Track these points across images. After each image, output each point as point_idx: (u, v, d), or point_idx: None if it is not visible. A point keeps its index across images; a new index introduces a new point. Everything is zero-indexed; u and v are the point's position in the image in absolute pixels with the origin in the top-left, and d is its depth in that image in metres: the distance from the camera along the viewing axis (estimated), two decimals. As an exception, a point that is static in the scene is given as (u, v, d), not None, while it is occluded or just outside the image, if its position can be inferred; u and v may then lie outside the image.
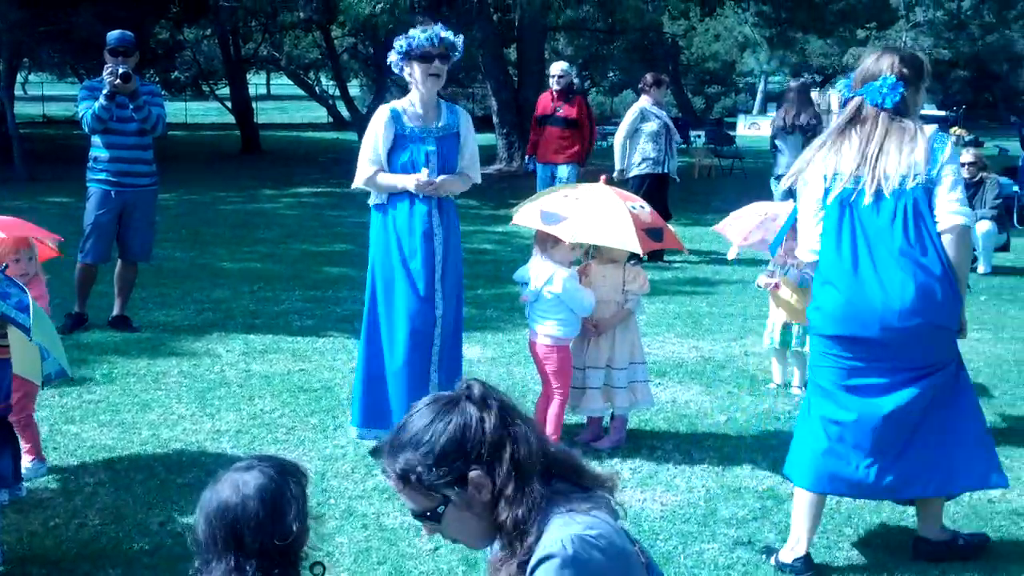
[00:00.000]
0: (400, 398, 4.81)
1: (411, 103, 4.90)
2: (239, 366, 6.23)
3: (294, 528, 2.12)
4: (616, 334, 4.95)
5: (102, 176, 6.88)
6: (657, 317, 7.56)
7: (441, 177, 4.82)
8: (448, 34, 4.83)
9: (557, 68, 10.83)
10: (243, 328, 7.13)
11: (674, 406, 5.61)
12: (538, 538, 1.96)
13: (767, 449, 4.96)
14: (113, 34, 6.86)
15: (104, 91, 6.65)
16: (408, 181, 4.78)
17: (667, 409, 5.54)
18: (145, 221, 7.03)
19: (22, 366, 3.85)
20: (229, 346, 6.67)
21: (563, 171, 10.43)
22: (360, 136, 5.48)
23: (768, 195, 10.27)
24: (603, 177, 5.00)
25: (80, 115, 6.88)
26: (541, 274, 4.71)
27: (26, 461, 4.30)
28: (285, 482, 2.15)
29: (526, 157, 11.45)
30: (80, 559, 3.75)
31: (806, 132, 10.24)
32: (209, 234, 11.52)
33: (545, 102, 10.73)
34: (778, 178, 10.67)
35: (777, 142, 10.54)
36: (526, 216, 4.81)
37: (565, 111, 10.43)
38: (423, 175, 4.77)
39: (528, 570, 1.96)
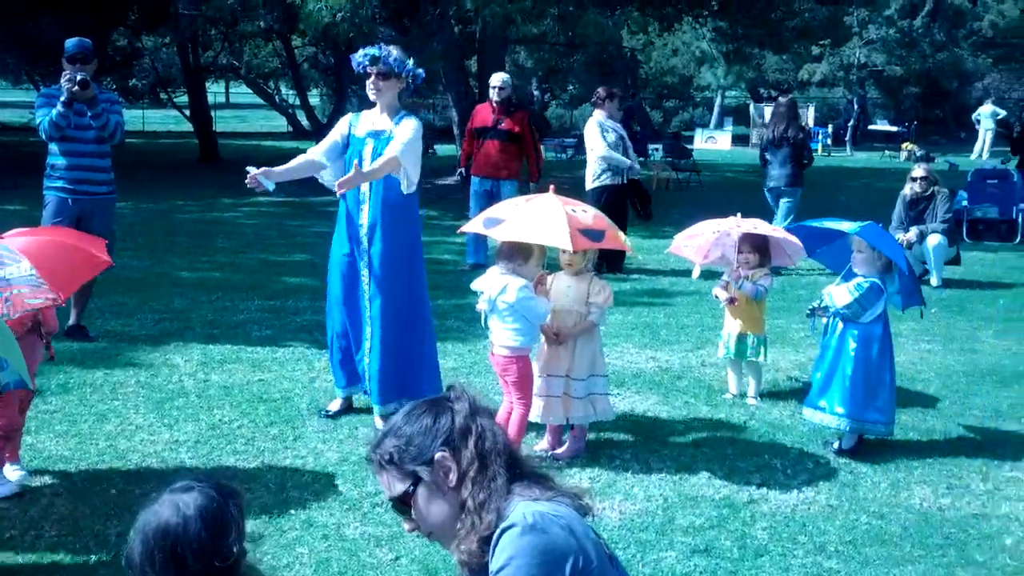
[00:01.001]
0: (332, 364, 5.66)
1: (371, 112, 5.43)
2: (197, 376, 6.19)
3: (235, 550, 2.09)
4: (577, 345, 5.00)
5: (59, 184, 6.83)
6: (616, 328, 7.64)
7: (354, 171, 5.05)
8: (373, 50, 5.26)
9: (497, 79, 10.20)
10: (202, 338, 7.09)
11: (632, 416, 5.68)
12: (500, 516, 2.06)
13: (723, 458, 5.04)
14: (71, 41, 6.80)
15: (62, 98, 6.60)
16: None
17: (625, 419, 5.60)
18: (103, 229, 6.94)
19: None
20: (187, 356, 6.62)
21: (507, 188, 9.89)
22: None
23: (724, 208, 10.39)
24: (552, 186, 5.05)
25: (37, 122, 6.83)
26: (495, 284, 4.76)
27: (11, 471, 4.38)
28: (226, 503, 2.12)
29: (458, 169, 10.88)
30: (37, 571, 3.72)
31: (793, 145, 10.54)
32: (167, 243, 11.43)
33: (484, 114, 10.19)
34: (770, 190, 10.91)
35: (767, 155, 10.94)
36: (472, 224, 5.01)
37: (508, 124, 10.00)
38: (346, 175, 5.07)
39: (492, 543, 2.04)
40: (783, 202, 10.81)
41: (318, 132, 22.15)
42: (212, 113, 26.25)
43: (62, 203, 6.81)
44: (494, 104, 10.11)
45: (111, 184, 7.04)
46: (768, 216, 6.50)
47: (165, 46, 30.44)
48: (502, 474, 2.11)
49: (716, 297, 6.09)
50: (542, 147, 11.12)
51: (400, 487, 2.16)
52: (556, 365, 5.00)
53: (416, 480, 2.15)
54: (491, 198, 9.98)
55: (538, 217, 4.74)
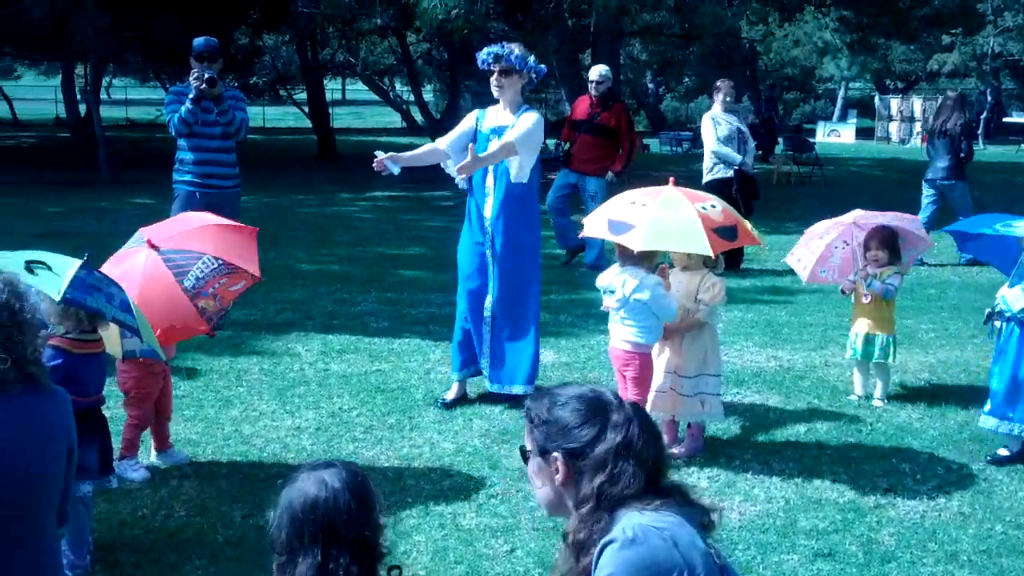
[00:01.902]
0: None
1: (496, 108, 5.62)
2: (318, 365, 6.33)
3: (380, 521, 2.18)
4: (685, 341, 4.90)
5: (187, 178, 7.08)
6: (735, 326, 7.48)
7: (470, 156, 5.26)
8: (496, 48, 5.45)
9: (596, 72, 10.05)
10: (321, 328, 7.25)
11: (752, 415, 5.54)
12: (606, 528, 2.04)
13: (848, 461, 4.87)
14: (198, 40, 7.05)
15: (190, 95, 6.84)
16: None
17: (745, 418, 5.47)
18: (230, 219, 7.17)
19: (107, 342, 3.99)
20: (308, 345, 6.78)
21: (592, 184, 9.79)
22: (433, 139, 5.82)
23: (848, 204, 10.05)
24: (671, 179, 4.92)
25: (167, 118, 7.09)
26: (629, 281, 4.68)
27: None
28: (366, 477, 2.22)
29: (563, 169, 10.37)
30: (167, 549, 3.85)
31: (951, 138, 10.29)
32: (288, 236, 11.72)
33: (583, 107, 10.05)
34: (928, 180, 10.66)
35: (928, 146, 10.95)
36: (594, 226, 4.77)
37: (604, 118, 9.81)
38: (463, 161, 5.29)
39: (595, 556, 2.03)
40: (950, 199, 10.53)
41: (432, 128, 22.42)
42: (329, 110, 26.86)
43: (190, 196, 7.04)
44: (593, 97, 9.99)
45: (236, 178, 7.27)
46: (901, 210, 6.22)
47: (285, 44, 31.33)
48: (626, 492, 2.07)
49: (842, 292, 5.89)
50: (644, 140, 10.77)
51: (527, 442, 2.22)
52: (663, 360, 4.92)
53: (526, 455, 2.23)
54: (572, 192, 9.97)
55: (670, 221, 4.56)
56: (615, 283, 4.73)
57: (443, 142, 5.71)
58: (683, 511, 2.08)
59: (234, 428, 5.19)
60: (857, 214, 5.81)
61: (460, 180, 5.56)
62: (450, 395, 5.67)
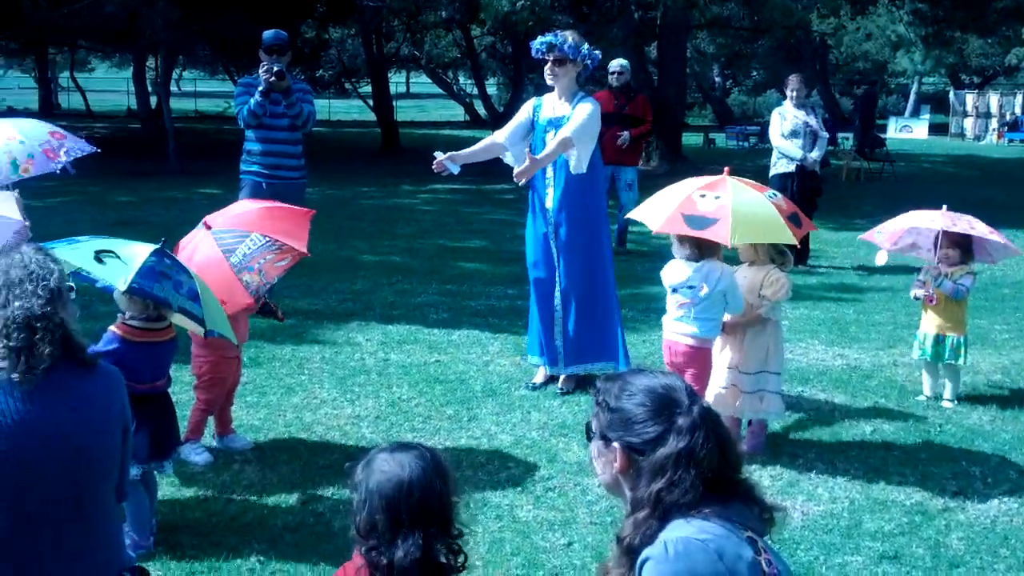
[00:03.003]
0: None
1: (551, 97, 5.63)
2: (378, 355, 6.37)
3: (456, 501, 2.23)
4: (747, 338, 4.81)
5: (255, 168, 7.17)
6: (801, 323, 7.34)
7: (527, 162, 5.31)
8: (549, 37, 5.46)
9: (616, 64, 10.16)
10: (382, 319, 7.29)
11: (817, 414, 5.43)
12: (653, 536, 1.99)
13: (916, 462, 4.75)
14: (268, 33, 7.12)
15: (260, 88, 6.92)
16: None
17: (809, 417, 5.37)
18: None
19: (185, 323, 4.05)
20: (369, 335, 6.83)
21: (626, 174, 10.08)
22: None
23: (920, 201, 9.81)
24: (727, 169, 4.82)
25: (236, 110, 7.19)
26: (713, 274, 4.57)
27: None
28: (443, 459, 2.26)
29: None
30: (227, 532, 3.90)
31: None
32: (350, 227, 11.83)
33: (607, 101, 10.06)
34: None
35: None
36: (672, 224, 4.53)
37: (631, 109, 10.04)
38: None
39: (636, 571, 1.99)
40: None
41: (495, 121, 22.44)
42: (393, 103, 27.05)
43: (257, 186, 7.12)
44: (613, 90, 10.08)
45: (302, 169, 7.34)
46: (975, 210, 6.01)
47: (350, 37, 31.62)
48: (682, 500, 2.00)
49: (915, 297, 5.73)
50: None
51: (593, 422, 2.17)
52: (725, 357, 4.84)
53: (591, 434, 2.17)
54: (608, 184, 9.98)
55: (753, 213, 4.46)
56: (694, 278, 4.57)
57: (501, 135, 5.74)
58: (733, 520, 2.00)
59: (295, 415, 5.24)
60: (946, 216, 5.54)
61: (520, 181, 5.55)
62: (538, 378, 5.80)
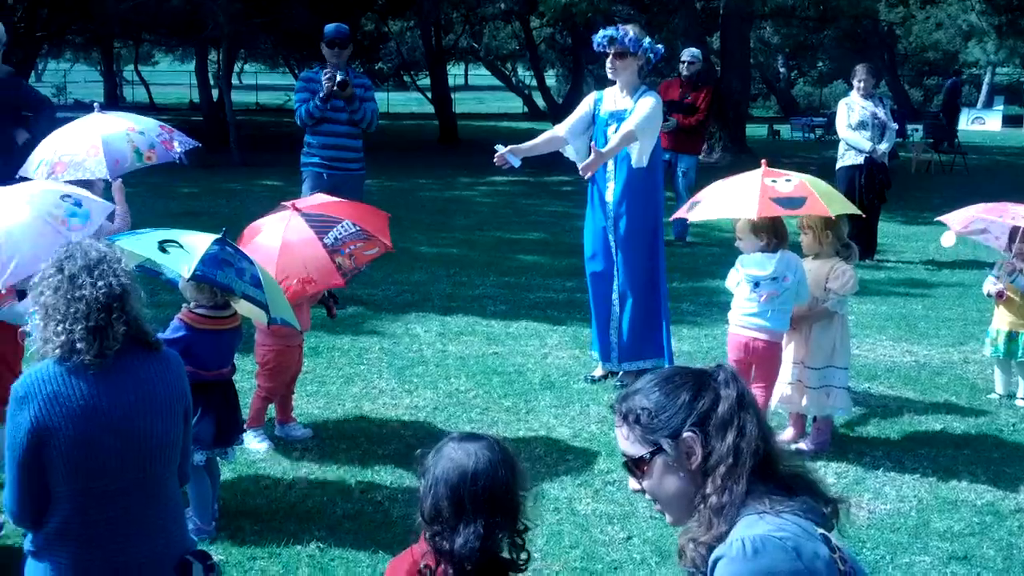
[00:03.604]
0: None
1: (613, 91, 5.60)
2: (436, 346, 6.37)
3: (523, 493, 2.23)
4: (813, 333, 4.71)
5: (315, 160, 7.25)
6: (868, 318, 7.19)
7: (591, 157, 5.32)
8: (610, 31, 5.42)
9: (687, 54, 10.50)
10: (440, 310, 7.29)
11: (884, 411, 5.30)
12: (728, 530, 1.93)
13: (987, 462, 4.61)
14: (329, 27, 7.20)
15: (320, 93, 6.96)
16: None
17: (877, 414, 5.25)
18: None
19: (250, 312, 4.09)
20: (427, 327, 6.83)
21: (685, 161, 10.25)
22: (555, 125, 5.85)
23: (993, 195, 9.54)
24: (763, 161, 4.77)
25: (295, 106, 7.26)
26: (792, 263, 4.52)
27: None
28: (511, 450, 2.27)
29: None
30: (287, 519, 3.93)
31: None
32: (409, 219, 11.86)
33: (672, 90, 10.27)
34: None
35: None
36: (767, 208, 4.38)
37: (693, 98, 10.17)
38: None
39: (708, 566, 1.93)
40: None
41: (554, 113, 22.37)
42: (452, 95, 27.11)
43: (317, 177, 7.19)
44: (682, 79, 10.27)
45: (361, 161, 7.40)
46: None
47: (409, 30, 31.75)
48: (748, 478, 1.95)
49: (988, 295, 5.56)
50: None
51: (638, 450, 2.04)
52: (790, 351, 4.75)
53: (656, 450, 2.01)
54: (665, 168, 10.10)
55: (827, 186, 4.63)
56: (778, 269, 4.49)
57: (561, 128, 5.72)
58: (806, 514, 1.94)
59: (354, 404, 5.26)
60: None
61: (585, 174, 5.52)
62: (597, 372, 5.79)
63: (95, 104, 5.09)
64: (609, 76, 5.55)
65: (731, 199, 4.58)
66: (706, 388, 2.02)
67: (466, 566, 2.15)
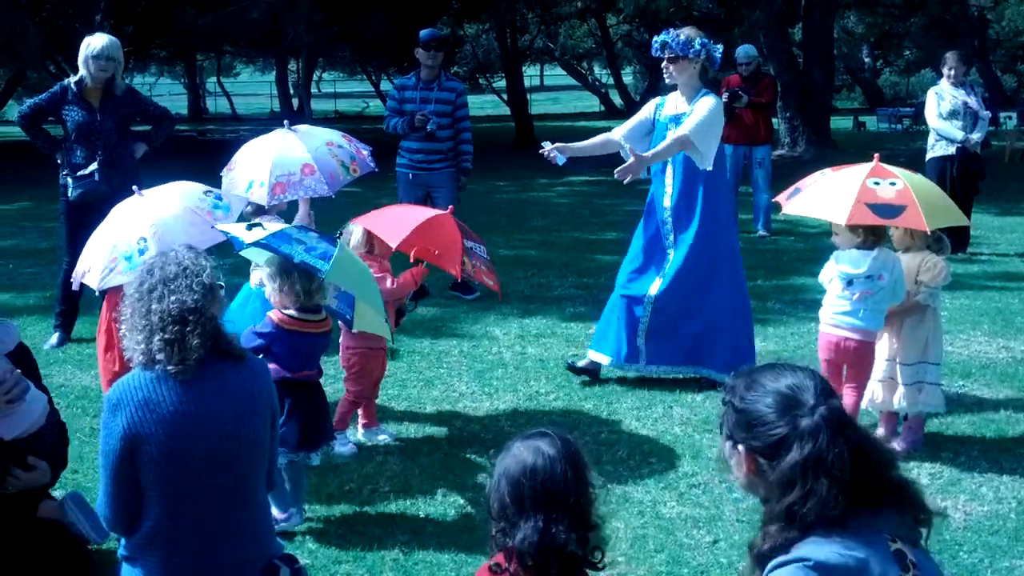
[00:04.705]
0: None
1: (675, 95, 5.53)
2: (515, 348, 6.37)
3: (592, 492, 2.24)
4: (904, 327, 4.58)
5: (404, 162, 7.75)
6: (962, 313, 6.95)
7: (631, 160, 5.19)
8: (663, 36, 5.34)
9: (743, 55, 10.67)
10: (519, 312, 7.29)
11: (980, 410, 5.11)
12: (792, 538, 1.89)
13: (1093, 463, 4.41)
14: (424, 31, 7.70)
15: (405, 120, 7.48)
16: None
17: (972, 413, 5.06)
18: (449, 197, 7.37)
19: (368, 325, 4.24)
20: (506, 329, 6.83)
21: (759, 152, 10.48)
22: None
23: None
24: (876, 156, 4.61)
25: (386, 113, 8.00)
26: (890, 261, 4.40)
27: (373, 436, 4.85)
28: (579, 447, 2.28)
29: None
30: (371, 523, 3.96)
31: None
32: (486, 221, 11.87)
33: (736, 85, 10.42)
34: None
35: None
36: (859, 215, 4.26)
37: (756, 93, 10.32)
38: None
39: (764, 570, 1.92)
40: None
41: (631, 110, 22.18)
42: (527, 96, 27.13)
43: (404, 177, 7.76)
44: (742, 78, 10.42)
45: (448, 159, 7.70)
46: None
47: (485, 32, 31.89)
48: (822, 507, 1.87)
49: None
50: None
51: (726, 430, 2.09)
52: (883, 347, 4.61)
53: (726, 435, 2.10)
54: (744, 162, 10.53)
55: (936, 194, 4.50)
56: (874, 267, 4.36)
57: (618, 132, 5.69)
58: (881, 532, 1.88)
59: (435, 408, 5.29)
60: None
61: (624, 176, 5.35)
62: (583, 363, 5.72)
63: (284, 121, 5.10)
64: (667, 81, 5.50)
65: (826, 198, 4.43)
66: (784, 424, 1.94)
67: (527, 561, 2.17)
